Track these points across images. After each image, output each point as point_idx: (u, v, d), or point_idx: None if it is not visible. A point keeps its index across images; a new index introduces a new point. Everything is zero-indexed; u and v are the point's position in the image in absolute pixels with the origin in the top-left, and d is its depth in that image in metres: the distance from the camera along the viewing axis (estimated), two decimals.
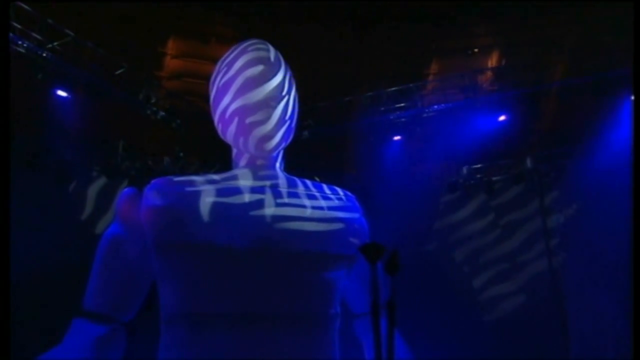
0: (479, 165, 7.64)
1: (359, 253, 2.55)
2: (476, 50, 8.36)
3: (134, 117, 6.65)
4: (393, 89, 7.10)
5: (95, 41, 5.95)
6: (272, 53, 3.20)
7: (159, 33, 7.78)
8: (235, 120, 2.99)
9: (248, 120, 2.95)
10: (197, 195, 2.87)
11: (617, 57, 6.09)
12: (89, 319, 2.79)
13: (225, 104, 2.90)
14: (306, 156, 7.50)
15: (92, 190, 6.65)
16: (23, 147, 5.67)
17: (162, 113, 6.65)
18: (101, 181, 6.68)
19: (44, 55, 4.98)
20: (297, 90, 3.56)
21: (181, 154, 6.85)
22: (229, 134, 3.06)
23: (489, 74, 7.44)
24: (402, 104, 7.05)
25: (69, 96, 5.26)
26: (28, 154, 5.75)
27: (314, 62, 8.19)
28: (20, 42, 4.81)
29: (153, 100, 6.49)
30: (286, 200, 3.08)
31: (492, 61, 8.40)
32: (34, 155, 5.78)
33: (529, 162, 7.29)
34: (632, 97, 6.03)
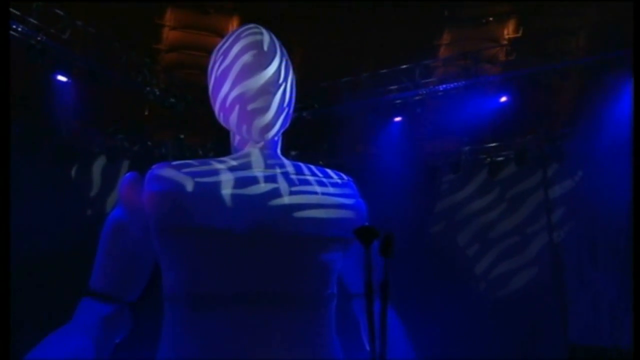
0: (481, 146, 7.72)
1: (353, 236, 2.69)
2: (491, 19, 8.19)
3: (133, 98, 6.72)
4: (394, 69, 7.13)
5: (89, 16, 5.93)
6: (267, 37, 3.28)
7: (157, 4, 7.67)
8: (237, 108, 3.10)
9: (249, 108, 3.06)
10: (197, 180, 3.00)
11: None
12: (95, 298, 2.97)
13: (225, 93, 3.01)
14: (307, 137, 7.58)
15: (93, 173, 6.80)
16: (24, 131, 5.83)
17: (159, 94, 6.69)
18: (101, 163, 6.83)
19: (42, 40, 5.07)
20: (299, 70, 3.66)
21: (182, 136, 6.96)
22: (232, 122, 3.18)
23: (495, 50, 7.41)
24: (403, 85, 7.09)
25: (69, 80, 5.37)
26: (29, 137, 5.90)
27: (318, 38, 8.15)
28: (19, 28, 4.89)
29: (150, 81, 6.53)
30: (284, 184, 3.21)
31: (508, 30, 8.23)
32: (35, 139, 5.94)
33: (531, 143, 7.36)
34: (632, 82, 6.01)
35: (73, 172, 6.54)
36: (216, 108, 3.28)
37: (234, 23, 7.24)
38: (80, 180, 6.65)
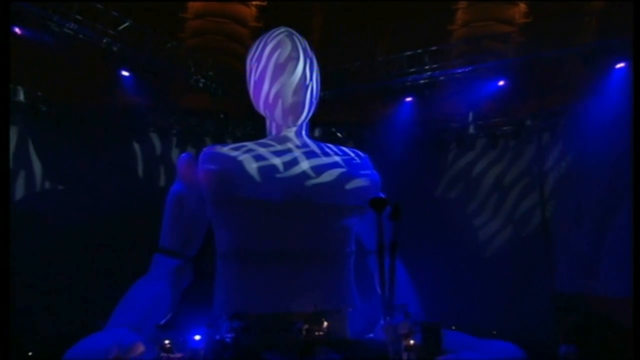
0: (482, 122, 7.83)
1: (368, 205, 3.11)
2: None
3: (180, 84, 7.00)
4: (405, 54, 7.18)
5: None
6: (292, 36, 3.66)
7: None
8: (279, 103, 3.55)
9: (290, 101, 3.51)
10: (241, 159, 3.42)
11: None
12: (165, 254, 3.47)
13: (266, 91, 3.40)
14: (329, 115, 7.79)
15: (147, 147, 7.30)
16: (94, 117, 6.40)
17: (194, 78, 6.90)
18: (154, 138, 7.33)
19: (106, 41, 5.37)
20: (319, 54, 4.03)
21: (221, 115, 7.25)
22: (277, 115, 3.64)
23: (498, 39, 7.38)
24: (414, 69, 7.17)
25: (130, 74, 5.71)
26: (98, 121, 6.48)
27: (336, 22, 8.16)
28: (85, 33, 5.18)
29: (191, 69, 6.75)
30: (312, 161, 3.61)
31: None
32: (102, 122, 6.50)
33: (528, 120, 7.47)
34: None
35: (133, 147, 7.06)
36: (260, 105, 3.71)
37: None
38: (137, 152, 7.14)
